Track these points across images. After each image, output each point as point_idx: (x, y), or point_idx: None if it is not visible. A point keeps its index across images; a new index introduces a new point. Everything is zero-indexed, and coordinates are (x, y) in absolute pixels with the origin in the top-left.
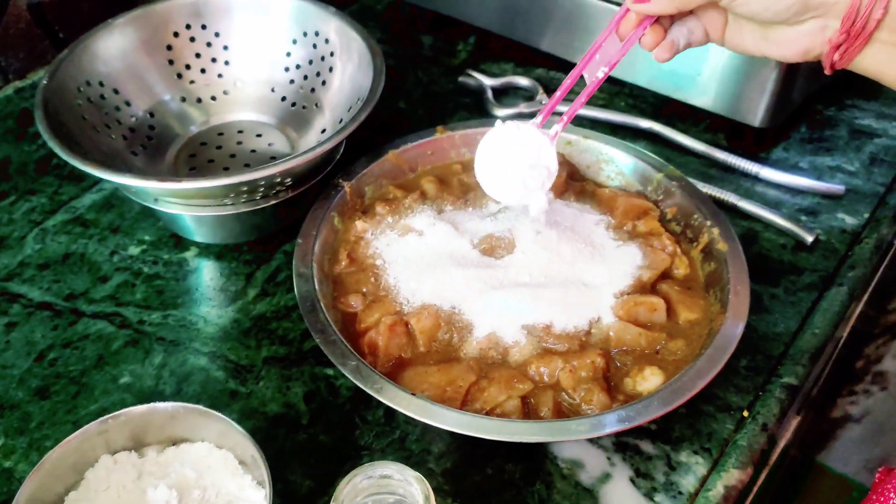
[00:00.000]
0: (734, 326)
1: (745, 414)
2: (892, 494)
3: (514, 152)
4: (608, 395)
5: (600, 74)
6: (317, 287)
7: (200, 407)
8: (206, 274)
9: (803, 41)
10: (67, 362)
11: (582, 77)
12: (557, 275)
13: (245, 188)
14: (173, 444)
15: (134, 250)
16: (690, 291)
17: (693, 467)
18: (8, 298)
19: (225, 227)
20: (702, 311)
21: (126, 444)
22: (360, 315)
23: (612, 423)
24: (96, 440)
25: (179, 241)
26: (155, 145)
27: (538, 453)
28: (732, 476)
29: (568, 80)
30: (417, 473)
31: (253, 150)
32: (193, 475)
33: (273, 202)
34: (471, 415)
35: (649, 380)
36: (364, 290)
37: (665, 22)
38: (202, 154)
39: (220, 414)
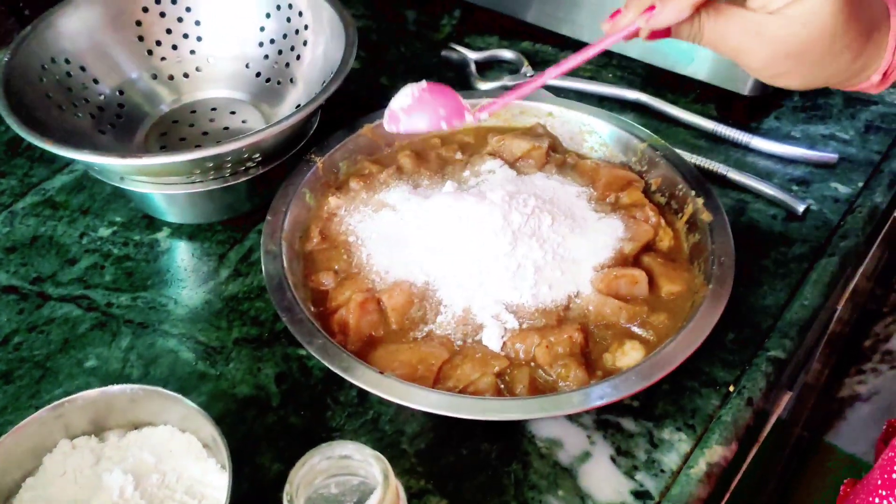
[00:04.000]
0: (718, 298)
1: (731, 389)
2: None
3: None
4: (586, 371)
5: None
6: (286, 265)
7: (160, 389)
8: (178, 255)
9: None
10: (32, 346)
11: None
12: (535, 249)
13: (211, 164)
14: (136, 429)
15: (104, 232)
16: (674, 264)
17: (676, 444)
18: None
19: (196, 206)
20: (685, 283)
21: (86, 429)
22: (332, 293)
23: (589, 399)
24: (54, 425)
25: (151, 222)
26: (124, 124)
27: (515, 433)
28: (716, 453)
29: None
30: (375, 452)
31: (226, 128)
32: (153, 460)
33: (244, 179)
34: (443, 393)
35: (629, 354)
36: (336, 267)
37: None
38: (174, 132)
39: (180, 396)
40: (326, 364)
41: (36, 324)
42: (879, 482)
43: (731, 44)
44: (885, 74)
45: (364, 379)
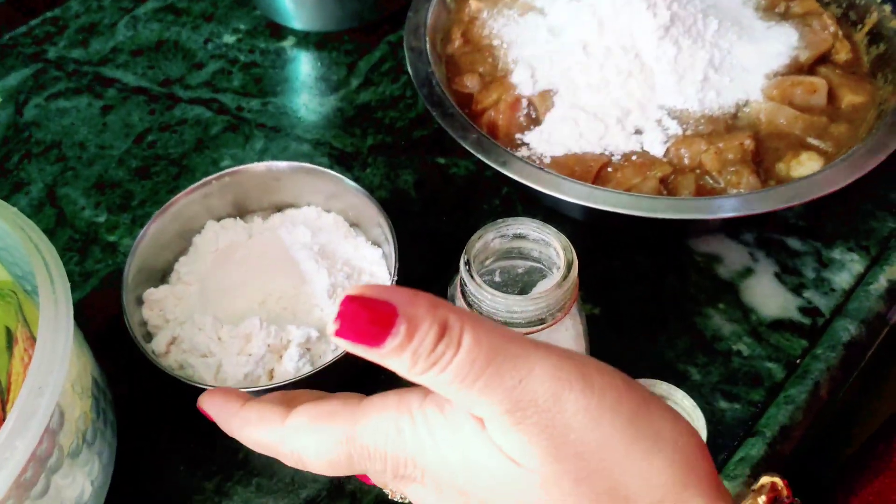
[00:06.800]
0: None
1: None
2: None
3: None
4: (758, 179)
5: None
6: (431, 62)
7: (308, 165)
8: (306, 63)
9: None
10: (167, 145)
11: None
12: (700, 53)
13: None
14: (278, 211)
15: (229, 39)
16: (854, 76)
17: (848, 264)
18: (102, 82)
19: (325, 11)
20: (868, 94)
21: (230, 212)
22: (477, 96)
23: (763, 203)
24: (199, 206)
25: (276, 31)
26: None
27: (671, 246)
28: None
29: None
30: (561, 235)
31: None
32: (308, 233)
33: None
34: (605, 189)
35: (806, 165)
36: (480, 70)
37: None
38: None
39: (331, 171)
40: (482, 158)
41: (168, 123)
42: None
43: None
44: None
45: (523, 174)
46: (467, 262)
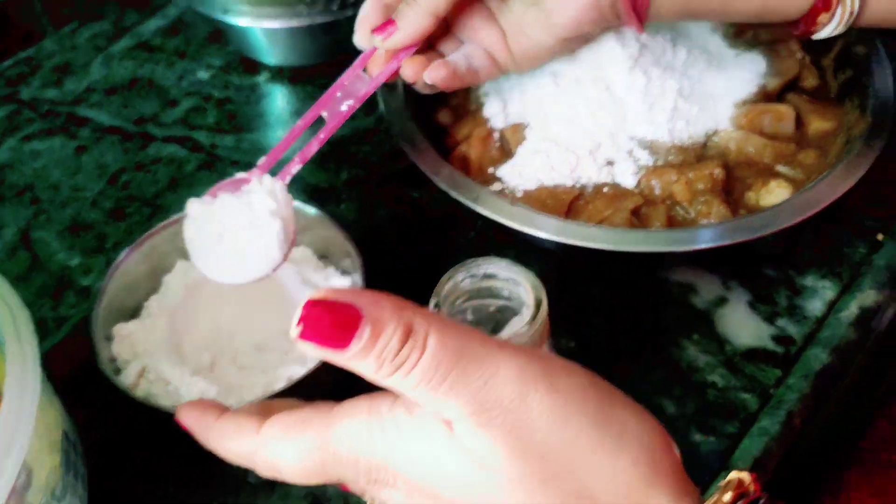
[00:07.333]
0: (877, 130)
1: (881, 237)
2: None
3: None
4: (728, 209)
5: (345, 108)
6: (402, 99)
7: None
8: (280, 98)
9: None
10: (141, 184)
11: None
12: (670, 83)
13: None
14: None
15: (203, 75)
16: (822, 102)
17: (820, 291)
18: (76, 122)
19: (298, 45)
20: (836, 120)
21: None
22: (451, 130)
23: (735, 233)
24: (169, 246)
25: (250, 66)
26: None
27: (645, 276)
28: (869, 297)
29: (300, 123)
30: (531, 273)
31: None
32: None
33: (350, 14)
34: (577, 223)
35: (775, 192)
36: (454, 102)
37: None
38: None
39: (296, 202)
40: (454, 194)
41: (143, 163)
42: None
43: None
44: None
45: (495, 208)
46: (437, 305)
